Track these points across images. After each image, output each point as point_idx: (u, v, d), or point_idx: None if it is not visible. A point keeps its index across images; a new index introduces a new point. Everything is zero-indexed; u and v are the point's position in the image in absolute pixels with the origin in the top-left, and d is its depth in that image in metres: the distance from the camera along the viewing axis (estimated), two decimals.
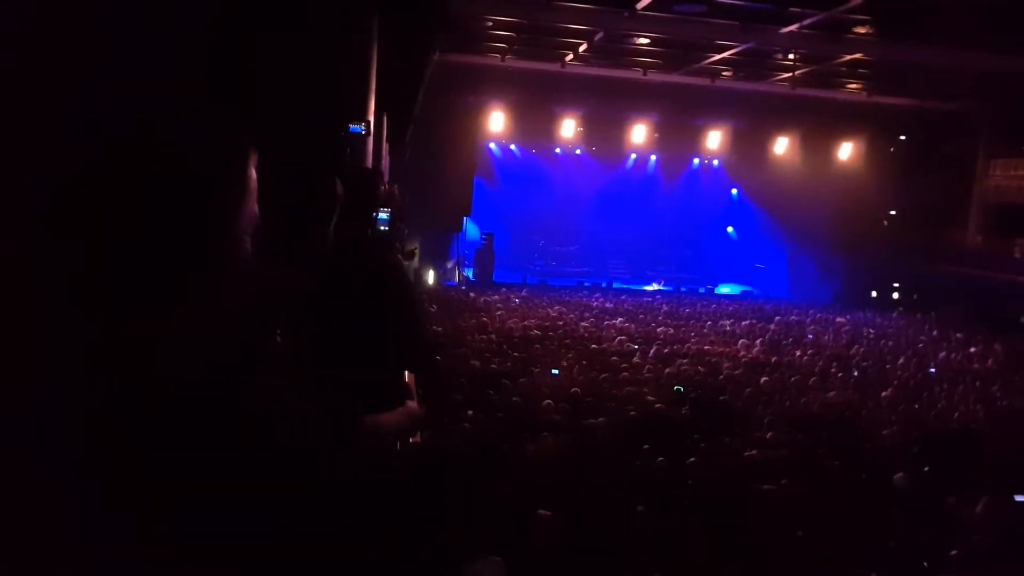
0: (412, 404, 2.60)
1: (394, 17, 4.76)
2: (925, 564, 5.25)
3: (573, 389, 9.43)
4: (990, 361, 14.14)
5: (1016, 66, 15.56)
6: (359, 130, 3.40)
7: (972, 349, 15.26)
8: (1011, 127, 20.60)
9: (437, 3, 5.36)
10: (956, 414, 9.87)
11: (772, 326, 16.89)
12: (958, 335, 16.75)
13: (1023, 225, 20.16)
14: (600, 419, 8.09)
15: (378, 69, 4.52)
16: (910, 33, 14.12)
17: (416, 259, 16.56)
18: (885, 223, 23.56)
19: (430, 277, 20.95)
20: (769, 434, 8.09)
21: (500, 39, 17.18)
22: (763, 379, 10.91)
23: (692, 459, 6.96)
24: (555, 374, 10.32)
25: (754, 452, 7.39)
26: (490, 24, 15.80)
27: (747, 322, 17.26)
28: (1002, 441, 8.40)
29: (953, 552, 5.30)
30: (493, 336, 13.11)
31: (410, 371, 3.21)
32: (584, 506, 5.64)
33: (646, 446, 7.09)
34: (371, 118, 4.19)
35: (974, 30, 13.23)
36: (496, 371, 10.26)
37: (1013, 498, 5.89)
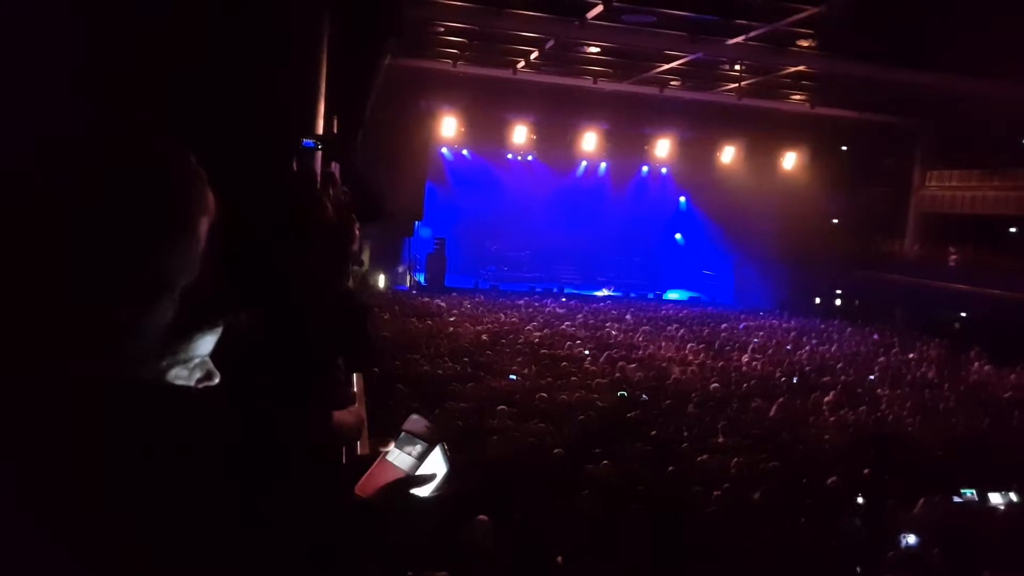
0: (359, 408, 2.58)
1: (345, 21, 4.72)
2: (858, 570, 5.38)
3: (517, 395, 9.43)
4: (926, 366, 14.61)
5: (950, 83, 16.18)
6: (312, 144, 3.26)
7: (911, 355, 15.74)
8: (945, 140, 21.42)
9: (389, 7, 5.34)
10: (891, 417, 10.16)
11: (721, 331, 17.19)
12: (897, 341, 17.28)
13: (956, 234, 20.96)
14: (543, 424, 8.11)
15: (328, 74, 4.48)
16: (851, 48, 14.57)
17: (366, 264, 16.41)
18: (830, 231, 24.19)
19: (380, 281, 20.77)
20: (720, 439, 8.23)
21: (452, 45, 17.16)
22: (712, 385, 11.08)
23: (636, 464, 7.03)
24: (513, 379, 10.32)
25: (705, 457, 7.50)
26: (442, 30, 15.77)
27: (695, 327, 17.54)
28: (934, 444, 8.69)
29: (890, 553, 5.46)
30: (444, 341, 13.06)
31: (357, 373, 3.18)
32: (528, 511, 5.65)
33: (596, 450, 7.15)
34: (321, 124, 4.15)
35: (911, 48, 13.72)
36: (446, 376, 10.22)
37: (949, 499, 6.09)
